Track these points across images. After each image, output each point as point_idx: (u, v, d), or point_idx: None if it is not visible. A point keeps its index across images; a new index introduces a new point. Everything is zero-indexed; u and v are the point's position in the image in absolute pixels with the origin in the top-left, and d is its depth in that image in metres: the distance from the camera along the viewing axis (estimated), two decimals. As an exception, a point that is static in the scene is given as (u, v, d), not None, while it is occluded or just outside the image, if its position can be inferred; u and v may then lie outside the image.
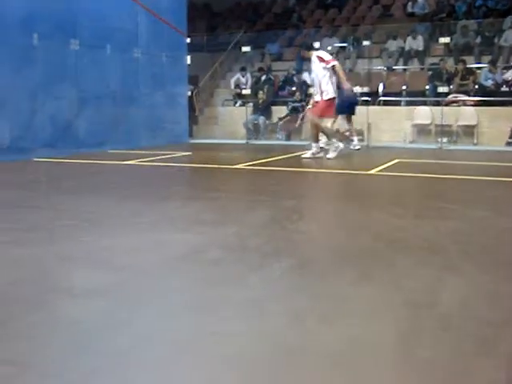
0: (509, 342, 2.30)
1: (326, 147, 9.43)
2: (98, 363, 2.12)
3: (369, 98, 13.55)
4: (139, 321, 2.54)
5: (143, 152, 10.27)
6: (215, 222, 4.67)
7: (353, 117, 11.28)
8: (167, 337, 2.38)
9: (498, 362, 2.12)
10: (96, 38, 10.79)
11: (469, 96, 13.16)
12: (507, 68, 13.52)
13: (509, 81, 12.94)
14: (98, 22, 10.70)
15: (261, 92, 14.55)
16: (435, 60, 14.50)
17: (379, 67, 15.14)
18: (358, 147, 11.09)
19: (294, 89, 14.66)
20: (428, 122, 12.90)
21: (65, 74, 10.18)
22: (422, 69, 14.95)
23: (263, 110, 14.42)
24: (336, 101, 9.32)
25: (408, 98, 13.67)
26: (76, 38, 10.37)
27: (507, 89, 12.89)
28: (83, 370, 2.07)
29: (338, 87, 9.22)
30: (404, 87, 14.00)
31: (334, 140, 9.35)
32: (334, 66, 9.09)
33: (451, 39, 14.61)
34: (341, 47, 16.21)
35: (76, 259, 3.52)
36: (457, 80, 13.47)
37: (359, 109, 11.71)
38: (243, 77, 15.61)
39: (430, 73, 14.27)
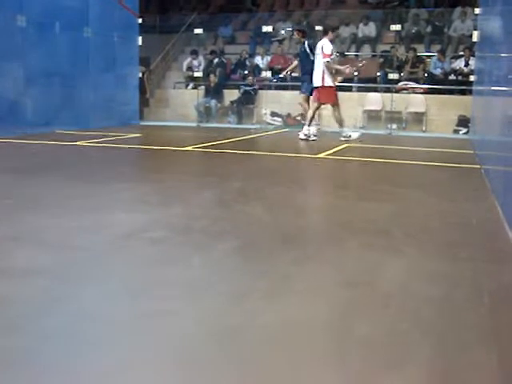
0: (446, 320, 2.34)
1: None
2: (32, 344, 2.07)
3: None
4: (78, 301, 2.49)
5: (92, 133, 10.08)
6: (161, 202, 4.63)
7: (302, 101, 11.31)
8: (107, 316, 2.35)
9: (435, 339, 2.16)
10: (44, 15, 10.46)
11: (418, 83, 13.39)
12: (455, 57, 13.79)
13: (457, 70, 13.21)
14: (46, -1, 10.41)
15: (212, 75, 14.46)
16: (387, 47, 14.67)
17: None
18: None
19: (246, 72, 14.63)
20: (378, 108, 13.06)
21: (10, 52, 9.83)
22: (374, 56, 15.10)
23: (215, 93, 14.34)
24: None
25: (360, 84, 13.79)
26: (23, 15, 10.03)
27: (455, 77, 13.17)
28: (16, 350, 2.01)
29: None
30: (356, 73, 14.11)
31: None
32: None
33: (402, 27, 14.80)
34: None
35: (16, 239, 3.43)
36: (407, 68, 13.69)
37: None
38: (195, 59, 15.48)
39: (382, 60, 14.44)
